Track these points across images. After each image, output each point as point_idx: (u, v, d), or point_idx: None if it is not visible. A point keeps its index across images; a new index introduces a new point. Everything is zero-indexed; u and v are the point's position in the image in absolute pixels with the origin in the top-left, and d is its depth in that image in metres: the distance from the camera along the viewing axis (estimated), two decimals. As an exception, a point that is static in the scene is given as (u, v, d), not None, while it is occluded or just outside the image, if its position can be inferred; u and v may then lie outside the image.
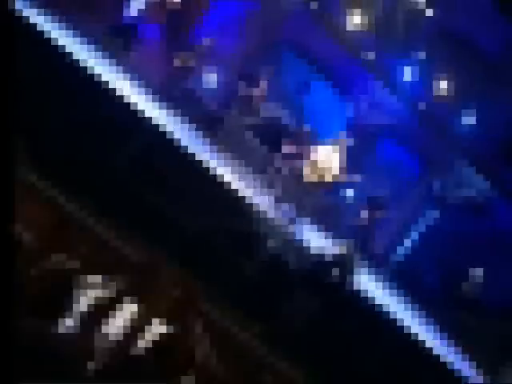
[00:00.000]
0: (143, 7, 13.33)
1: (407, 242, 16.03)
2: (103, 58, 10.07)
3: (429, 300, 14.12)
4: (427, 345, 8.61)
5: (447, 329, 12.29)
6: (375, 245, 13.01)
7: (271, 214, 8.40)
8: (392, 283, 13.36)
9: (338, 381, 5.83)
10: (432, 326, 11.30)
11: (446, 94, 14.64)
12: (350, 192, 13.40)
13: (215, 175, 7.61)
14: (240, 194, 7.86)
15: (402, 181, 15.70)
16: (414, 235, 16.18)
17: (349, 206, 13.71)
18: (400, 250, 15.89)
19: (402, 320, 8.32)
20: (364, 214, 12.03)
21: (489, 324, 14.24)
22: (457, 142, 15.28)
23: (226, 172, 8.78)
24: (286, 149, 11.04)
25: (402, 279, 15.17)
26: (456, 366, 8.43)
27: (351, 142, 14.74)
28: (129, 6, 13.19)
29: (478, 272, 15.46)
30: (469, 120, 15.11)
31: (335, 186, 12.09)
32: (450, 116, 14.97)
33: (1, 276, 2.04)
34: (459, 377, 7.99)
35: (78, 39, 9.61)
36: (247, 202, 7.82)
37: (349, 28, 14.32)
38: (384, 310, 8.04)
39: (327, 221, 11.30)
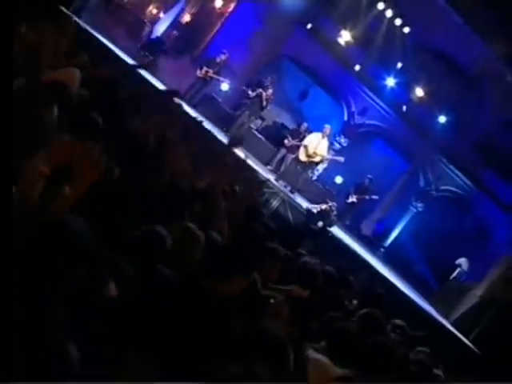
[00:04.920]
0: (166, 28, 15.75)
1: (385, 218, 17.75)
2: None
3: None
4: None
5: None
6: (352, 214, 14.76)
7: (276, 185, 10.80)
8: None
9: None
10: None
11: (423, 98, 16.39)
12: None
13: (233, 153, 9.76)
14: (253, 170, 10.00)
15: (388, 173, 17.23)
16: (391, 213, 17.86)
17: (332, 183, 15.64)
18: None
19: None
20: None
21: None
22: (436, 141, 16.98)
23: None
24: (287, 143, 13.23)
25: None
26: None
27: (345, 141, 16.87)
28: (155, 28, 15.65)
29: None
30: (445, 122, 16.76)
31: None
32: (427, 118, 16.70)
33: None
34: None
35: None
36: (259, 176, 9.94)
37: (341, 43, 15.94)
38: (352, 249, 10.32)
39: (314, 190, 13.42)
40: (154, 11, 15.66)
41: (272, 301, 2.85)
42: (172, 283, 2.20)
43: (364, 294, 5.12)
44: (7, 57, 1.91)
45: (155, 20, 15.66)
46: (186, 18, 16.26)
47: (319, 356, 2.76)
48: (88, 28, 9.78)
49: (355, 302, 4.50)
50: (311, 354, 2.75)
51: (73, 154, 2.09)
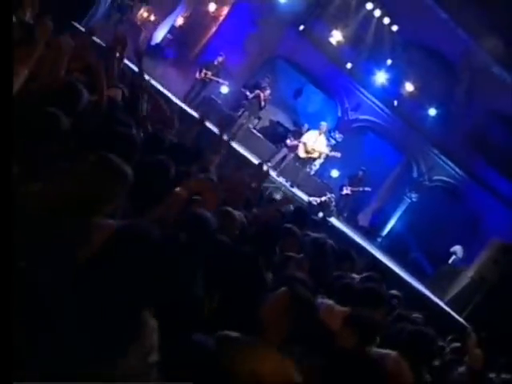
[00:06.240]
0: (166, 35, 16.32)
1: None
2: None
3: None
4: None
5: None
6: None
7: (278, 180, 11.47)
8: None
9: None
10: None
11: (413, 93, 17.00)
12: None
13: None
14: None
15: (382, 165, 17.75)
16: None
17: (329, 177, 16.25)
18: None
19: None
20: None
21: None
22: (427, 133, 17.52)
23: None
24: (289, 142, 13.76)
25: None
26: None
27: (340, 136, 17.41)
28: (154, 34, 16.22)
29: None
30: (435, 114, 17.36)
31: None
32: (418, 111, 17.29)
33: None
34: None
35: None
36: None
37: (332, 43, 16.52)
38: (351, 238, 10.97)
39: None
40: (145, 14, 16.11)
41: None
42: (229, 248, 2.99)
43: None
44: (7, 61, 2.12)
45: (147, 24, 16.10)
46: (180, 21, 16.78)
47: (327, 300, 3.48)
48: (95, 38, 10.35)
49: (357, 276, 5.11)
50: (320, 299, 3.47)
51: (203, 188, 3.32)
